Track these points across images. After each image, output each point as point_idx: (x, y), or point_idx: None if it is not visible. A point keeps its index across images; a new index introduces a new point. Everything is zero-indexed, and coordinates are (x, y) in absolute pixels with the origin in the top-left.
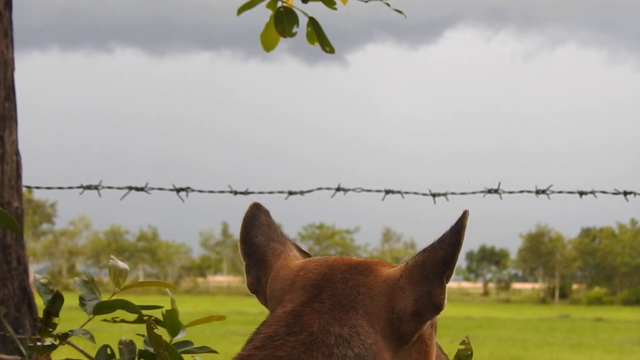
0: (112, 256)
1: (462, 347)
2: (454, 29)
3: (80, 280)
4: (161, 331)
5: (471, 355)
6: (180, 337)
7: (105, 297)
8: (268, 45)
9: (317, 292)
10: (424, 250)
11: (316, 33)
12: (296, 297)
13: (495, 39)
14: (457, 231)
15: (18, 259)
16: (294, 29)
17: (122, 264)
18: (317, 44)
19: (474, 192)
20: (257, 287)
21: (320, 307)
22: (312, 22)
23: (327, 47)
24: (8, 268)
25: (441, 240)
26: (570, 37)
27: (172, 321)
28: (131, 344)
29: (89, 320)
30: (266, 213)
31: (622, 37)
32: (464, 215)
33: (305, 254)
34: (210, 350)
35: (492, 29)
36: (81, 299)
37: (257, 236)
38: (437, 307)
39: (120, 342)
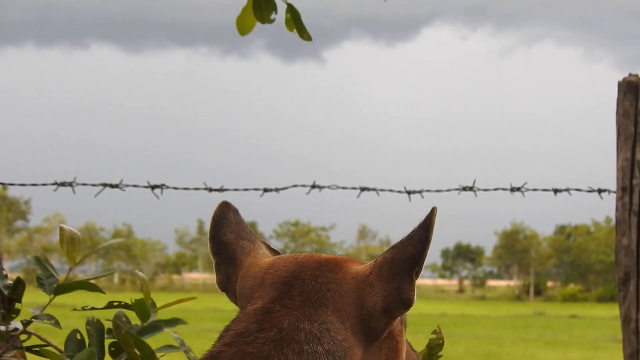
0: (61, 224)
1: (434, 336)
2: (431, 26)
3: (33, 258)
4: (131, 315)
5: (442, 344)
6: (151, 319)
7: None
8: (243, 29)
9: (286, 289)
10: (393, 247)
11: (294, 20)
12: (266, 294)
13: (472, 37)
14: (425, 227)
15: None
16: (272, 16)
17: (74, 230)
18: (295, 31)
19: (448, 190)
20: (227, 285)
21: (290, 304)
22: (291, 9)
23: (304, 34)
24: None
25: (410, 237)
26: (547, 35)
27: (141, 308)
28: (98, 323)
29: (50, 301)
30: (235, 211)
31: (598, 35)
32: (433, 211)
33: (274, 252)
34: (182, 322)
35: (469, 26)
36: (38, 278)
37: (226, 234)
38: (407, 304)
39: (88, 323)
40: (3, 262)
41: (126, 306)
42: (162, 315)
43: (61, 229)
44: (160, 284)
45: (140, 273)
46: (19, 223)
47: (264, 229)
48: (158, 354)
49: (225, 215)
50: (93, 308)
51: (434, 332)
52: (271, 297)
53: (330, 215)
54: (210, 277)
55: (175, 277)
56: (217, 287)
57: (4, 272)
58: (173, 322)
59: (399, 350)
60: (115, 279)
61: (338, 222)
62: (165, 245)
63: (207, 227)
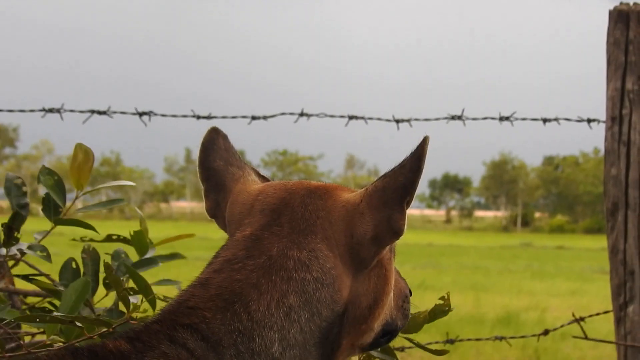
0: (77, 142)
1: (441, 302)
2: None
3: (45, 170)
4: (128, 249)
5: (448, 311)
6: (149, 255)
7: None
8: None
9: (275, 216)
10: (384, 175)
11: None
12: (255, 221)
13: None
14: (417, 156)
15: None
16: None
17: (87, 147)
18: None
19: (437, 119)
20: (216, 211)
21: (279, 231)
22: None
23: None
24: None
25: (402, 166)
26: None
27: (139, 242)
28: (94, 251)
29: (51, 229)
30: (224, 137)
31: None
32: (425, 140)
33: (264, 179)
34: (180, 256)
35: None
36: (44, 200)
37: (215, 160)
38: (397, 233)
39: (84, 251)
40: None
41: (125, 240)
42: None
43: (77, 147)
44: (148, 212)
45: (139, 211)
46: (7, 150)
47: (252, 157)
48: (154, 287)
49: (214, 141)
50: (92, 240)
51: (442, 298)
52: (260, 224)
53: (318, 145)
54: (198, 206)
55: (163, 205)
56: (205, 215)
57: (23, 189)
58: (171, 256)
59: (388, 279)
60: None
61: (326, 151)
62: (154, 174)
63: (196, 154)
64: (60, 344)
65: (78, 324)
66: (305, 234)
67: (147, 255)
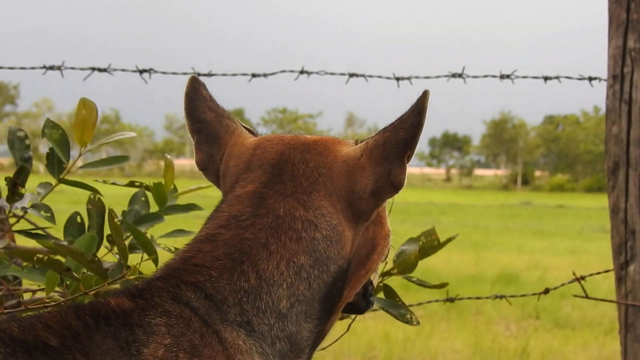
0: (83, 97)
1: (428, 239)
2: None
3: (50, 123)
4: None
5: (438, 246)
6: (169, 204)
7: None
8: None
9: (277, 173)
10: (384, 129)
11: None
12: (256, 177)
13: None
14: (418, 111)
15: None
16: None
17: (92, 102)
18: None
19: (437, 76)
20: (208, 164)
21: (283, 189)
22: None
23: None
24: None
25: (402, 120)
26: None
27: (159, 194)
28: (100, 203)
29: (54, 186)
30: (205, 87)
31: None
32: (425, 94)
33: (252, 133)
34: (197, 208)
35: None
36: (49, 156)
37: (205, 112)
38: (397, 187)
39: (89, 202)
40: None
41: (147, 188)
42: (155, 207)
43: (82, 101)
44: (148, 170)
45: (168, 156)
46: (8, 108)
47: (251, 115)
48: (166, 239)
49: (197, 90)
50: (114, 183)
51: (426, 233)
52: (262, 180)
53: (318, 103)
54: None
55: (162, 163)
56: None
57: (27, 142)
58: (188, 207)
59: (383, 224)
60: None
61: (326, 109)
62: (153, 132)
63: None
64: (60, 299)
65: (76, 275)
66: (309, 192)
67: (167, 204)
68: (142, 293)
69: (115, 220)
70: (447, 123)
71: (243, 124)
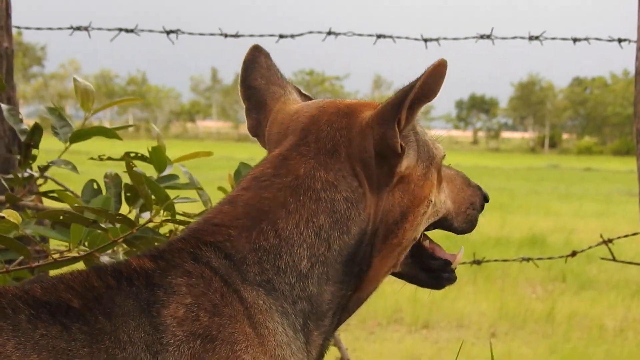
0: (74, 76)
1: None
2: None
3: (47, 108)
4: (148, 168)
5: None
6: (167, 172)
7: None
8: None
9: (304, 135)
10: (395, 92)
11: None
12: (287, 141)
13: None
14: (417, 78)
15: (8, 99)
16: None
17: (86, 83)
18: None
19: (466, 38)
20: (257, 130)
21: (307, 151)
22: None
23: None
24: None
25: (406, 85)
26: None
27: (157, 158)
28: (117, 177)
29: (67, 149)
30: (267, 55)
31: None
32: (437, 62)
33: (306, 97)
34: (199, 187)
35: None
36: (53, 127)
37: (256, 79)
38: (394, 151)
39: (106, 176)
40: (19, 107)
41: (143, 158)
42: (178, 169)
43: (75, 80)
44: (174, 132)
45: (155, 128)
46: (35, 69)
47: None
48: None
49: (256, 59)
50: (110, 158)
51: None
52: (290, 144)
53: (345, 65)
54: (225, 126)
55: (189, 125)
56: (230, 135)
57: (20, 117)
58: (189, 184)
59: (417, 194)
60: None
61: (353, 71)
62: (180, 93)
63: (221, 75)
64: (87, 250)
65: (102, 225)
66: (331, 153)
67: (165, 172)
68: (162, 254)
69: (135, 169)
70: (474, 85)
71: (301, 90)
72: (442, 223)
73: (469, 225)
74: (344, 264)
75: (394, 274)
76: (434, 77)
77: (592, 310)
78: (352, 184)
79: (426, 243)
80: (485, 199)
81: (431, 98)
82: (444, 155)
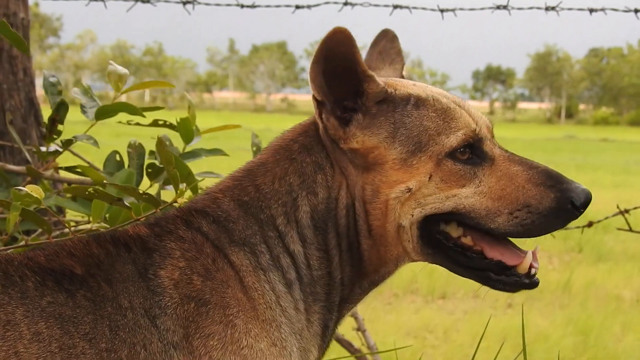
0: (110, 61)
1: None
2: None
3: (79, 89)
4: (174, 137)
5: None
6: (194, 143)
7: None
8: None
9: None
10: None
11: None
12: None
13: None
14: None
15: (24, 70)
16: None
17: (122, 69)
18: None
19: (482, 8)
20: None
21: (307, 121)
22: None
23: None
24: (14, 79)
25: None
26: None
27: (186, 129)
28: (140, 147)
29: (92, 125)
30: (390, 39)
31: None
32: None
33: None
34: (222, 153)
35: None
36: (82, 106)
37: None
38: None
39: (130, 146)
40: (35, 78)
41: (171, 126)
42: (202, 142)
43: (110, 65)
44: None
45: (189, 96)
46: (51, 40)
47: (294, 48)
48: (198, 178)
49: (376, 44)
50: (138, 124)
51: None
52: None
53: (362, 35)
54: (241, 96)
55: (205, 95)
56: (246, 106)
57: (59, 88)
58: (214, 151)
59: (390, 177)
60: (147, 97)
61: (369, 42)
62: (196, 64)
63: (238, 46)
64: (106, 226)
65: (126, 203)
66: (315, 123)
67: (193, 143)
68: (158, 221)
69: (166, 148)
70: (490, 56)
71: (404, 72)
72: (464, 220)
73: (518, 229)
74: (320, 231)
75: (447, 268)
76: (332, 46)
77: (608, 281)
78: (324, 150)
79: (466, 239)
80: (573, 204)
81: (348, 64)
82: (455, 147)
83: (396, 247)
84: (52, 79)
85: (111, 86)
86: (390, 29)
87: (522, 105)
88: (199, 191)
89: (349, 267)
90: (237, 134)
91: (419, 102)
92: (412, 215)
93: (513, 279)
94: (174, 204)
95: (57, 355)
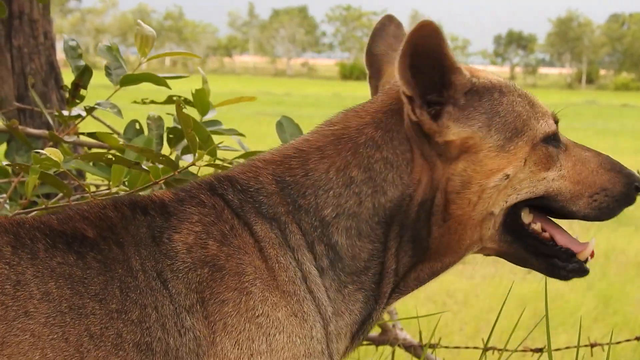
0: (138, 20)
1: None
2: None
3: (104, 47)
4: (190, 111)
5: None
6: (209, 116)
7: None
8: None
9: (378, 94)
10: None
11: None
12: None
13: None
14: (402, 47)
15: (45, 34)
16: None
17: (149, 29)
18: None
19: None
20: None
21: (370, 106)
22: None
23: None
24: (35, 42)
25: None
26: None
27: (201, 100)
28: (159, 119)
29: (115, 91)
30: (397, 25)
31: None
32: (418, 24)
33: None
34: (238, 133)
35: None
36: (107, 68)
37: (379, 46)
38: (420, 123)
39: (149, 118)
40: (55, 42)
41: (186, 101)
42: (214, 98)
43: (138, 24)
44: (211, 67)
45: (202, 71)
46: (72, 4)
47: (315, 13)
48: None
49: (385, 28)
50: (153, 102)
51: None
52: (369, 101)
53: (383, 0)
54: (262, 60)
55: (226, 59)
56: (267, 70)
57: (80, 52)
58: (230, 131)
59: (486, 166)
60: (167, 61)
61: (390, 7)
62: (217, 29)
63: (258, 10)
64: (126, 189)
65: (144, 167)
66: (389, 115)
67: (208, 116)
68: (186, 187)
69: (184, 110)
70: (511, 21)
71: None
72: (550, 204)
73: (596, 212)
74: (382, 225)
75: (501, 255)
76: (419, 40)
77: (629, 246)
78: (399, 147)
79: (536, 226)
80: (637, 188)
81: (435, 57)
82: (551, 131)
83: (472, 235)
84: (71, 43)
85: (137, 50)
86: (393, 15)
87: (543, 70)
88: (216, 161)
89: (407, 257)
90: (257, 98)
91: (503, 89)
92: (506, 202)
93: (576, 266)
94: (193, 167)
95: (66, 315)
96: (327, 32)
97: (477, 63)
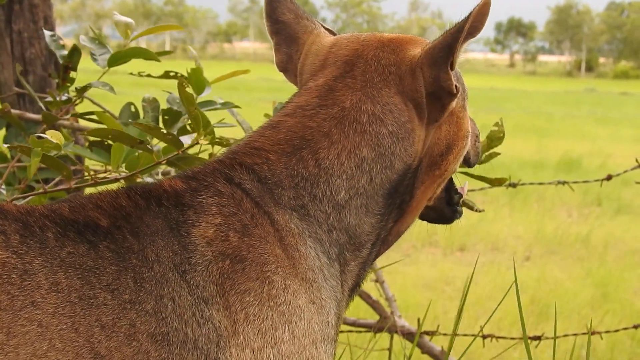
0: (114, 12)
1: (495, 129)
2: None
3: (86, 37)
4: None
5: (503, 137)
6: (205, 94)
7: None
8: None
9: (349, 68)
10: (442, 34)
11: None
12: (328, 72)
13: None
14: (466, 18)
15: (45, 18)
16: None
17: (126, 18)
18: None
19: None
20: (288, 65)
21: (353, 83)
22: None
23: None
24: (35, 27)
25: (453, 26)
26: None
27: (196, 79)
28: (154, 101)
29: (104, 73)
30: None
31: None
32: (483, 2)
33: (332, 33)
34: (234, 105)
35: None
36: (91, 54)
37: (284, 13)
38: (449, 92)
39: (144, 100)
40: (56, 27)
41: (182, 77)
42: (215, 90)
43: (115, 16)
44: (211, 53)
45: (192, 50)
46: None
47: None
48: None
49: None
50: (149, 75)
51: (496, 124)
52: (333, 75)
53: None
54: (262, 46)
55: (226, 45)
56: (267, 56)
57: (62, 43)
58: (226, 104)
59: (461, 125)
60: (167, 46)
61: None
62: (217, 14)
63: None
64: (126, 172)
65: (149, 146)
66: (379, 88)
67: (204, 94)
68: (196, 175)
69: (187, 89)
70: (511, 8)
71: (323, 25)
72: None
73: (476, 159)
74: (386, 197)
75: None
76: (479, 17)
77: (627, 234)
78: (400, 119)
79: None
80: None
81: (475, 35)
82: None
83: (432, 193)
84: (51, 36)
85: (119, 34)
86: None
87: (543, 58)
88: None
89: (392, 223)
90: (257, 85)
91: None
92: (462, 158)
93: (460, 209)
94: (196, 145)
95: (76, 306)
96: (327, 19)
97: (476, 50)
